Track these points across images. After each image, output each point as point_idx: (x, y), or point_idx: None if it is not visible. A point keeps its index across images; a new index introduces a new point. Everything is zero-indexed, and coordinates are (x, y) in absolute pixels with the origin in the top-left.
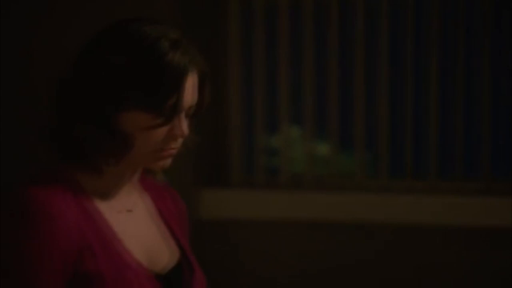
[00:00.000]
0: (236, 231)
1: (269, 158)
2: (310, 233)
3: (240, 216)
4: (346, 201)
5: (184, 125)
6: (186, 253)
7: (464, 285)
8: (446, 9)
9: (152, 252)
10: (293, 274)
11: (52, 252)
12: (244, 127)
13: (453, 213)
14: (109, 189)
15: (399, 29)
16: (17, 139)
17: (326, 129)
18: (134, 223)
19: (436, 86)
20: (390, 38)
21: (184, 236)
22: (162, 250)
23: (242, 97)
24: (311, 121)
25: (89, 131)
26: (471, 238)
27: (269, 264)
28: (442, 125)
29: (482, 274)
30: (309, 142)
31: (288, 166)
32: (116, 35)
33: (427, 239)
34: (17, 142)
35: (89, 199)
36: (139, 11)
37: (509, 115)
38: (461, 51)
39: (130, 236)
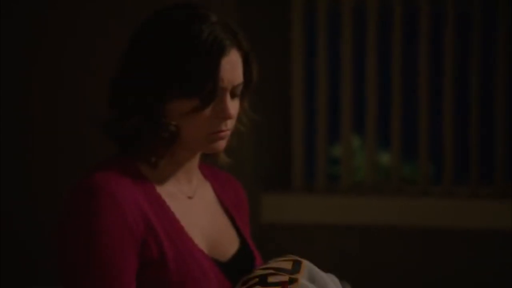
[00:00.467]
0: (297, 235)
1: (330, 167)
2: (371, 238)
3: (301, 221)
4: (407, 206)
5: (227, 106)
6: (247, 241)
7: None
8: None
9: (212, 239)
10: (353, 278)
11: (122, 233)
12: (306, 133)
13: None
14: (168, 177)
15: (466, 36)
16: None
17: (388, 139)
18: (195, 210)
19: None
20: (456, 47)
21: (245, 224)
22: (222, 237)
23: (304, 103)
24: (373, 130)
25: (139, 123)
26: None
27: (329, 268)
28: (510, 132)
29: None
30: (371, 151)
31: (349, 175)
32: (152, 23)
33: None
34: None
35: (151, 186)
36: None
37: None
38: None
39: (191, 223)
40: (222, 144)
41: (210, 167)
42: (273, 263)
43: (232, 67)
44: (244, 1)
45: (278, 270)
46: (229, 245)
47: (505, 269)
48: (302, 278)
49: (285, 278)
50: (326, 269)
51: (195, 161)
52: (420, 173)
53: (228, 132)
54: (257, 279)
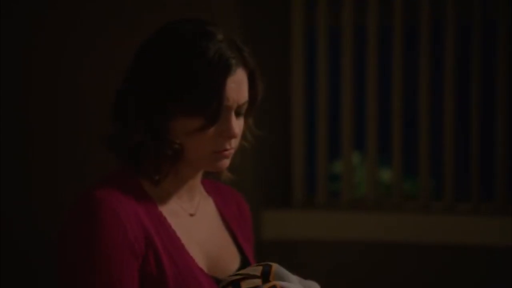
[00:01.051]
0: (298, 252)
1: (331, 183)
2: (372, 254)
3: (302, 237)
4: (408, 222)
5: (232, 125)
6: (248, 258)
7: None
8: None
9: (212, 256)
10: None
11: (122, 247)
12: (307, 149)
13: None
14: (170, 194)
15: (466, 52)
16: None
17: (388, 155)
18: (196, 227)
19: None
20: (456, 63)
21: (246, 240)
22: (223, 255)
23: (305, 120)
24: (374, 146)
25: (143, 140)
26: None
27: (330, 284)
28: (511, 148)
29: None
30: (371, 167)
31: (350, 191)
32: (158, 39)
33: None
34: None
35: (153, 203)
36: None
37: None
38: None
39: (192, 240)
40: (226, 162)
41: (212, 181)
42: (245, 270)
43: (237, 86)
44: (244, 22)
45: (250, 276)
46: (230, 262)
47: (506, 286)
48: (274, 280)
49: (258, 282)
50: (327, 285)
51: (198, 178)
52: (421, 189)
53: (232, 151)
54: (230, 286)
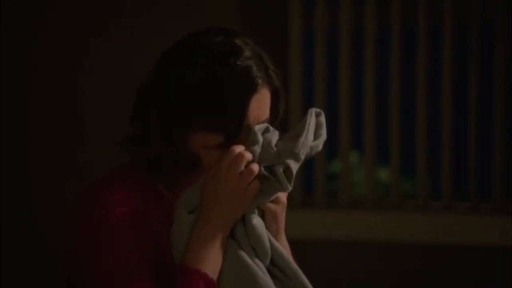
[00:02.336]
0: (295, 251)
1: (329, 183)
2: (370, 253)
3: (300, 236)
4: (406, 222)
5: None
6: None
7: None
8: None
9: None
10: None
11: (136, 228)
12: None
13: None
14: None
15: (463, 53)
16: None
17: (387, 154)
18: None
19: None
20: (454, 64)
21: None
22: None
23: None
24: (372, 146)
25: (162, 149)
26: None
27: (328, 283)
28: (508, 148)
29: None
30: (369, 167)
31: (348, 190)
32: (185, 48)
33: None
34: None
35: (163, 196)
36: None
37: None
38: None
39: None
40: None
41: None
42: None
43: (260, 105)
44: (242, 23)
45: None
46: None
47: (504, 285)
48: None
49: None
50: (325, 285)
51: None
52: (419, 188)
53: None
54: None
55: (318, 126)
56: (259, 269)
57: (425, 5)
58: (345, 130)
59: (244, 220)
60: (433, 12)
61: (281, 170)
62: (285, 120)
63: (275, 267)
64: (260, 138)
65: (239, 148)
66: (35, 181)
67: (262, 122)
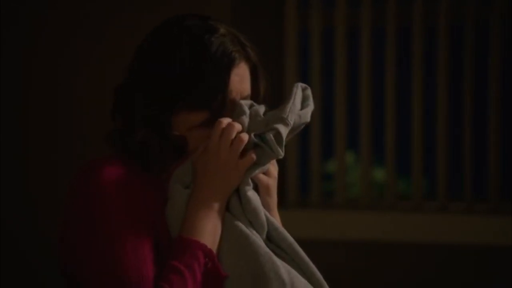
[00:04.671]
0: None
1: (324, 183)
2: (365, 254)
3: (295, 236)
4: (401, 222)
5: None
6: None
7: None
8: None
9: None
10: None
11: (134, 204)
12: (300, 149)
13: None
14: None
15: (459, 53)
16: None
17: (382, 154)
18: None
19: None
20: (449, 64)
21: None
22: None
23: None
24: (367, 146)
25: (146, 136)
26: None
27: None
28: (503, 147)
29: None
30: (365, 167)
31: (343, 190)
32: (161, 33)
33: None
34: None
35: (158, 184)
36: None
37: None
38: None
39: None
40: None
41: None
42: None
43: (240, 79)
44: (238, 24)
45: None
46: None
47: (499, 285)
48: None
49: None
50: None
51: None
52: (414, 188)
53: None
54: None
55: (305, 98)
56: (258, 239)
57: (420, 5)
58: (340, 130)
59: (239, 193)
60: (428, 12)
61: (271, 135)
62: None
63: (271, 242)
64: (247, 109)
65: (227, 120)
66: (35, 181)
67: (245, 98)
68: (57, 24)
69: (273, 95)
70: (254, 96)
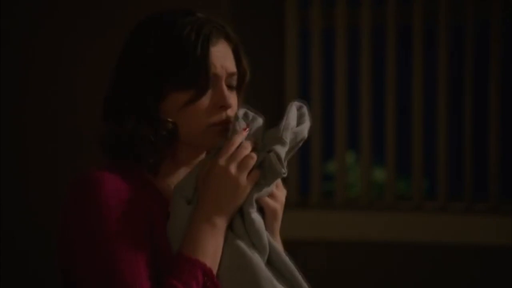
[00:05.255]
0: (291, 251)
1: (325, 183)
2: (366, 254)
3: (295, 236)
4: (401, 222)
5: (224, 93)
6: None
7: None
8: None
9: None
10: None
11: (130, 214)
12: (301, 149)
13: None
14: (169, 176)
15: (459, 53)
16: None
17: (382, 155)
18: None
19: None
20: (449, 64)
21: None
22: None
23: None
24: (368, 146)
25: (136, 124)
26: None
27: (323, 283)
28: (503, 148)
29: None
30: (365, 167)
31: (343, 190)
32: (142, 26)
33: (486, 259)
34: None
35: (152, 184)
36: None
37: None
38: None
39: None
40: (223, 137)
41: None
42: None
43: (223, 55)
44: (238, 24)
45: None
46: None
47: (499, 285)
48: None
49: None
50: (320, 284)
51: (198, 160)
52: (415, 188)
53: (228, 125)
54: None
55: (301, 116)
56: (259, 261)
57: (420, 5)
58: (341, 130)
59: (243, 214)
60: (428, 12)
61: (273, 155)
62: (281, 119)
63: (272, 265)
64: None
65: (240, 138)
66: (35, 181)
67: (231, 75)
68: (57, 24)
69: (273, 95)
70: (240, 76)
